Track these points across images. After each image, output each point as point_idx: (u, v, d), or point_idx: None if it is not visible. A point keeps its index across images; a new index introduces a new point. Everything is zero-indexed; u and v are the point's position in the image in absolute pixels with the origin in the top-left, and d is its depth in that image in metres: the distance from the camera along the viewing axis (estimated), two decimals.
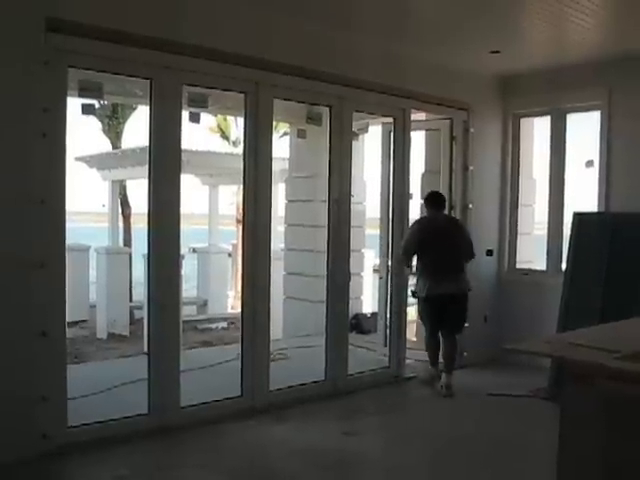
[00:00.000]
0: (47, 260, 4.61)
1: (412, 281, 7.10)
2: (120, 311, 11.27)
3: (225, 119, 17.20)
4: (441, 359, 6.92)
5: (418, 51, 6.75)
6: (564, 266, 7.14)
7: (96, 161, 13.49)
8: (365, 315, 9.67)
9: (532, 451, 4.87)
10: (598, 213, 7.16)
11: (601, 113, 7.21)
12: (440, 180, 7.72)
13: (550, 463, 3.09)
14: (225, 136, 17.84)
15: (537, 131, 8.30)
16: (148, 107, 5.35)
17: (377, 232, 7.95)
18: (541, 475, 3.68)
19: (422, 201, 7.21)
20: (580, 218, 7.02)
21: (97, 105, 13.55)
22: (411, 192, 7.29)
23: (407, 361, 7.24)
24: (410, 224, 7.08)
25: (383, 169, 7.65)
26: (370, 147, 9.54)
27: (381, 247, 7.84)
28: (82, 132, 13.16)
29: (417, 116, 7.40)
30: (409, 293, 7.11)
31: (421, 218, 7.18)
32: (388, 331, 7.35)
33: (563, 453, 3.05)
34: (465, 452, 5.10)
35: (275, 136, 6.16)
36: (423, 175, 8.31)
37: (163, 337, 5.39)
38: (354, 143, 6.97)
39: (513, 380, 6.87)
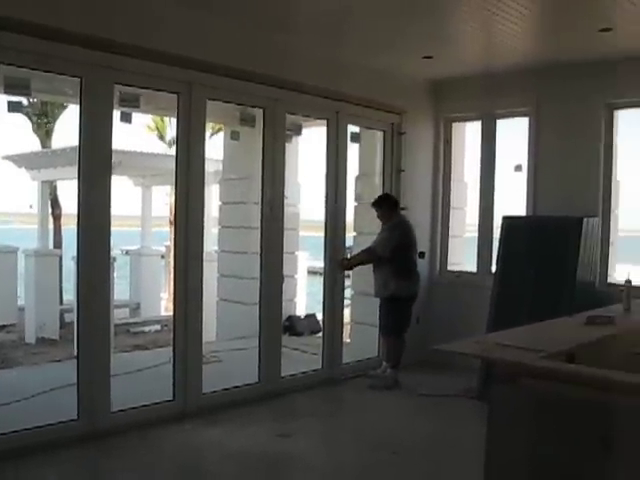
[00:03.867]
0: None
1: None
2: (50, 314, 10.97)
3: (162, 119, 16.94)
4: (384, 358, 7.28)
5: (352, 54, 6.80)
6: (494, 268, 7.29)
7: (25, 160, 13.09)
8: (299, 317, 9.69)
9: (461, 449, 4.94)
10: (526, 216, 7.34)
11: (529, 119, 7.39)
12: (375, 183, 7.77)
13: (479, 461, 3.15)
14: (161, 136, 17.59)
15: (469, 135, 8.45)
16: (78, 106, 5.24)
17: (312, 234, 7.91)
18: (470, 472, 3.73)
19: (377, 205, 7.18)
20: (509, 221, 7.18)
21: (25, 102, 13.16)
22: (359, 193, 7.32)
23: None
24: (392, 227, 7.03)
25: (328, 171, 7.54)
26: (305, 150, 9.60)
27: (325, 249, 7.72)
28: (9, 130, 12.82)
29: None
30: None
31: (402, 222, 7.16)
32: (321, 333, 7.37)
33: (490, 451, 3.11)
34: (395, 452, 5.14)
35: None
36: (357, 178, 8.35)
37: (93, 341, 5.28)
38: (287, 145, 6.96)
39: (444, 380, 6.98)
